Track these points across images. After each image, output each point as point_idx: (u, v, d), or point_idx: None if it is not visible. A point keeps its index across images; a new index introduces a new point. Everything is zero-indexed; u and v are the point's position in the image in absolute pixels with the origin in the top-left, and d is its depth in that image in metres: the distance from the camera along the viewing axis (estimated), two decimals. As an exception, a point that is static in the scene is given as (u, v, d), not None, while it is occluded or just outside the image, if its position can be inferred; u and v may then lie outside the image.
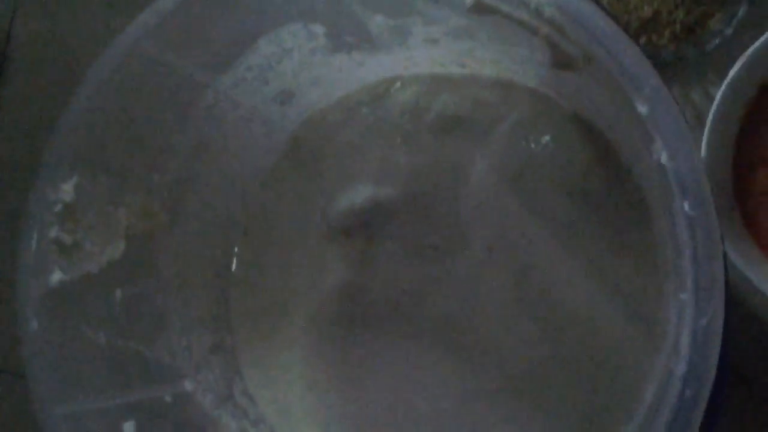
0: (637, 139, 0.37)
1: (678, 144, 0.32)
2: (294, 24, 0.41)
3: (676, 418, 0.32)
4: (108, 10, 0.60)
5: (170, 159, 0.44)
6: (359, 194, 0.49)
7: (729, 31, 0.50)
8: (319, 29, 0.42)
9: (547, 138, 0.47)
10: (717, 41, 0.51)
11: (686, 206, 0.32)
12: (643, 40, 0.52)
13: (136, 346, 0.43)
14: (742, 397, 0.51)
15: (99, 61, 0.38)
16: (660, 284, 0.44)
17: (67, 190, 0.39)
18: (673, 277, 0.41)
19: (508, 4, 0.36)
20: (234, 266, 0.51)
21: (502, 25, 0.38)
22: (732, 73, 0.47)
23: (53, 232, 0.39)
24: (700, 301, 0.32)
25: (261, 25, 0.41)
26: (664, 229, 0.42)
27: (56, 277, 0.39)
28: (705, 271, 0.32)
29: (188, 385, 0.45)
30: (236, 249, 0.51)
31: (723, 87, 0.48)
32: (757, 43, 0.47)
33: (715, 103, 0.48)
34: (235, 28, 0.40)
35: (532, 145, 0.47)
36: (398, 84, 0.50)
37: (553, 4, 0.34)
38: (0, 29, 0.63)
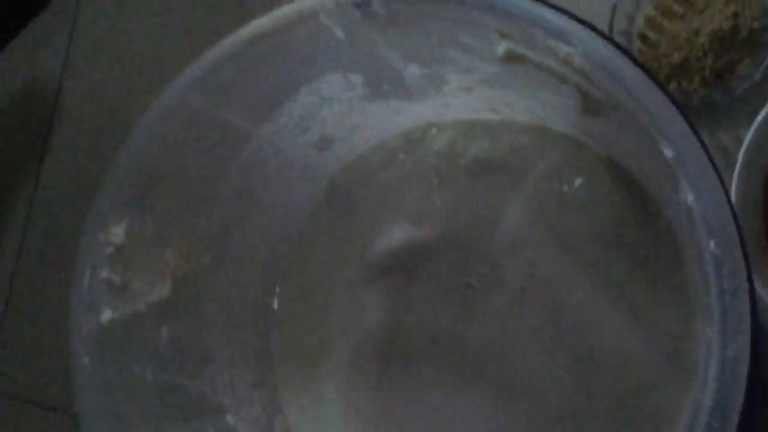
0: (665, 180, 0.38)
1: (704, 185, 0.33)
2: (334, 74, 0.43)
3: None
4: (156, 64, 0.63)
5: (215, 203, 0.45)
6: (397, 235, 0.51)
7: (757, 75, 0.51)
8: (357, 79, 0.44)
9: (579, 181, 0.48)
10: (746, 86, 0.52)
11: (712, 245, 0.33)
12: (672, 85, 0.53)
13: (181, 381, 0.45)
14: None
15: (148, 110, 0.40)
16: (692, 322, 0.45)
17: (117, 233, 0.41)
18: (703, 315, 0.42)
19: (538, 53, 0.38)
20: (275, 306, 0.52)
21: (532, 74, 0.39)
22: (761, 116, 0.48)
23: (104, 273, 0.41)
24: (726, 335, 0.33)
25: (303, 75, 0.43)
26: (695, 267, 0.43)
27: (107, 315, 0.41)
28: (731, 307, 0.32)
29: (231, 420, 0.46)
30: (277, 289, 0.53)
31: (752, 130, 0.49)
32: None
33: (744, 146, 0.49)
34: (279, 78, 0.42)
35: (565, 188, 0.48)
36: (434, 130, 0.52)
37: (581, 54, 0.35)
38: (51, 80, 0.66)
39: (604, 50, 0.35)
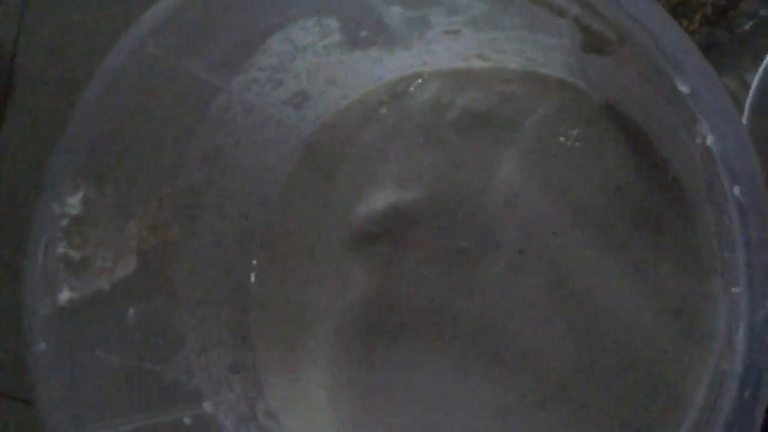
0: (677, 125, 0.34)
1: (725, 124, 0.29)
2: (307, 19, 0.39)
3: (734, 421, 0.29)
4: (118, 19, 0.58)
5: (182, 167, 0.41)
6: (381, 199, 0.47)
7: (763, 11, 0.47)
8: (333, 24, 0.40)
9: (577, 131, 0.44)
10: (751, 23, 0.48)
11: (737, 191, 0.29)
12: (673, 26, 0.49)
13: (152, 367, 0.41)
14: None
15: (103, 65, 0.36)
16: (705, 282, 0.41)
17: (73, 203, 0.37)
18: (721, 274, 0.38)
19: (532, -16, 0.33)
20: (253, 280, 0.48)
21: (526, 10, 0.35)
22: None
23: (60, 248, 0.37)
24: (755, 293, 0.29)
25: (272, 21, 0.39)
26: (709, 222, 0.39)
27: (65, 295, 0.37)
28: (760, 260, 0.29)
29: (208, 407, 0.43)
30: (254, 262, 0.49)
31: (760, 72, 0.45)
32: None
33: (752, 90, 0.45)
34: (245, 25, 0.38)
35: (562, 140, 0.45)
36: (419, 81, 0.47)
37: (583, -19, 0.31)
38: (6, 46, 0.62)
39: (608, -24, 0.30)
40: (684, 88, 0.30)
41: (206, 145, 0.42)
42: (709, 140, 0.30)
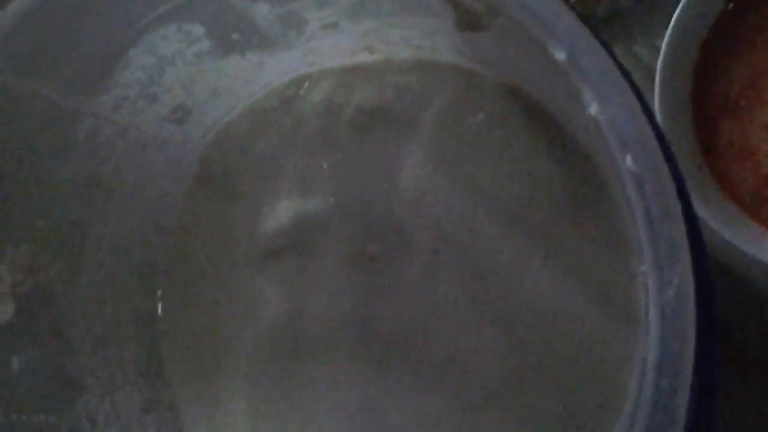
0: (568, 96, 0.31)
1: (608, 90, 0.27)
2: (165, 27, 0.36)
3: (654, 412, 0.26)
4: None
5: (53, 200, 0.38)
6: (284, 211, 0.44)
7: (667, -28, 0.45)
8: (197, 29, 0.37)
9: (479, 117, 0.42)
10: (656, -15, 0.45)
11: (629, 161, 0.26)
12: (573, -4, 0.46)
13: (44, 419, 0.37)
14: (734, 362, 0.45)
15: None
16: (628, 262, 0.38)
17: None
18: (636, 251, 0.35)
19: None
20: (159, 311, 0.45)
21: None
22: (675, 17, 0.42)
23: None
24: (662, 270, 0.26)
25: (125, 32, 0.35)
26: (619, 197, 0.37)
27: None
28: (662, 235, 0.26)
29: (118, 455, 0.39)
30: (159, 292, 0.45)
31: (668, 35, 0.43)
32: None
33: (662, 54, 0.43)
34: (95, 41, 0.35)
35: (465, 128, 0.42)
36: (308, 82, 0.44)
37: (439, -49, 0.28)
38: None
39: (466, -59, 0.28)
40: (559, 55, 0.27)
41: (79, 174, 0.39)
42: (593, 109, 0.27)
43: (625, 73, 0.28)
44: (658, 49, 0.46)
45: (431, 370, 0.42)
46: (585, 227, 0.40)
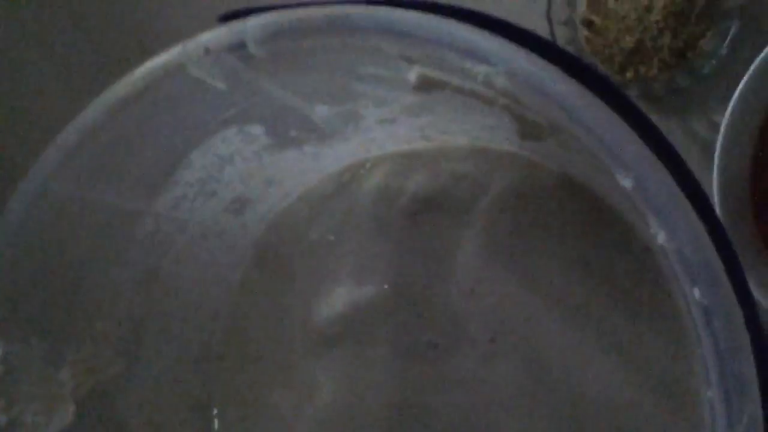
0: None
1: (676, 220, 0.26)
2: (227, 130, 0.36)
3: None
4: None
5: (114, 299, 0.38)
6: (340, 297, 0.44)
7: (724, 50, 0.44)
8: (257, 130, 0.37)
9: (535, 206, 0.41)
10: (713, 63, 0.45)
11: (697, 293, 0.26)
12: (629, 74, 0.46)
13: None
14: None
15: (5, 211, 0.33)
16: (689, 359, 0.38)
17: (-9, 363, 0.34)
18: (700, 362, 0.35)
19: (456, 76, 0.30)
20: (212, 398, 0.45)
21: (457, 99, 0.32)
22: (736, 95, 0.42)
23: (-17, 414, 0.34)
24: (730, 405, 0.26)
25: (188, 138, 0.36)
26: (683, 297, 0.36)
27: (-5, 465, 0.34)
28: (731, 370, 0.26)
29: None
30: (214, 378, 0.45)
31: (728, 112, 0.42)
32: (759, 58, 0.41)
33: (722, 131, 0.42)
34: (159, 146, 0.35)
35: (521, 216, 0.41)
36: (364, 168, 0.44)
37: (503, 73, 0.28)
38: None
39: (529, 66, 0.28)
40: (626, 182, 0.27)
41: (138, 272, 0.39)
42: (661, 238, 0.27)
43: (696, 188, 0.28)
44: (715, 125, 0.46)
45: (488, 460, 0.41)
46: (643, 318, 0.40)
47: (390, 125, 0.40)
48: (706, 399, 0.33)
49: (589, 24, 0.47)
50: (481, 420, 0.41)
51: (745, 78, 0.41)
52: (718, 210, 0.42)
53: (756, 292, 0.41)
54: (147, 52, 0.32)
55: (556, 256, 0.41)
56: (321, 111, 0.37)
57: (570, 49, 0.46)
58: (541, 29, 0.46)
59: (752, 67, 0.41)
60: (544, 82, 0.28)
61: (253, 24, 0.30)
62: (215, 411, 0.45)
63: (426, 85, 0.32)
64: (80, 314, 0.37)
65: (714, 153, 0.43)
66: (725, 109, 0.42)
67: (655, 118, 0.46)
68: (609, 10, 0.46)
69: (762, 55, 0.41)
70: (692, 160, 0.46)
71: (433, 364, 0.42)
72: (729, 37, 0.45)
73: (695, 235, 0.26)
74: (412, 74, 0.32)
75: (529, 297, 0.41)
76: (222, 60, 0.31)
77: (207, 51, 0.31)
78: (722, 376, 0.26)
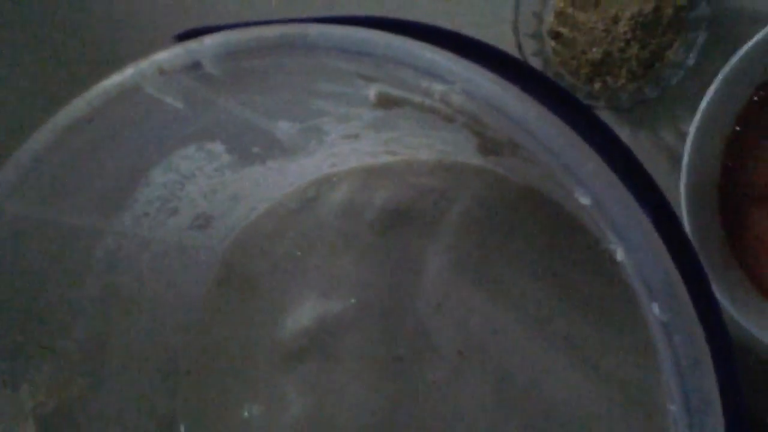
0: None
1: (634, 237, 0.26)
2: (186, 148, 0.36)
3: None
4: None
5: (74, 319, 0.38)
6: (306, 312, 0.43)
7: (691, 60, 0.44)
8: (218, 147, 0.37)
9: (502, 218, 0.41)
10: (680, 73, 0.45)
11: (656, 309, 0.25)
12: (597, 85, 0.46)
13: None
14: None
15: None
16: (656, 366, 0.38)
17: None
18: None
19: (414, 93, 0.30)
20: (181, 416, 0.45)
21: (417, 115, 0.32)
22: (703, 105, 0.42)
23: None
24: (692, 420, 0.26)
25: (147, 156, 0.35)
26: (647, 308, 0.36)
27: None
28: (693, 388, 0.26)
29: None
30: (181, 394, 0.45)
31: (695, 122, 0.42)
32: (728, 67, 0.41)
33: (689, 141, 0.42)
34: (117, 165, 0.35)
35: (487, 229, 0.41)
36: (329, 183, 0.44)
37: (459, 92, 0.28)
38: None
39: (487, 84, 0.27)
40: (584, 200, 0.27)
41: (99, 290, 0.39)
42: (620, 254, 0.26)
43: (661, 201, 0.27)
44: (683, 135, 0.46)
45: (457, 475, 0.41)
46: (610, 330, 0.40)
47: (354, 141, 0.39)
48: (670, 412, 0.33)
49: (556, 35, 0.47)
50: (450, 433, 0.41)
51: (713, 87, 0.41)
52: (685, 220, 0.42)
53: (725, 304, 0.41)
54: (103, 72, 0.32)
55: (524, 268, 0.41)
56: (284, 127, 0.37)
57: (537, 60, 0.46)
58: (508, 41, 0.45)
59: (719, 77, 0.41)
60: (501, 100, 0.27)
61: (208, 44, 0.29)
62: (182, 428, 0.45)
63: (385, 103, 0.32)
64: (39, 333, 0.37)
65: (682, 163, 0.43)
66: (693, 119, 0.42)
67: (623, 129, 0.46)
68: (576, 21, 0.46)
69: (729, 64, 0.41)
70: (661, 170, 0.46)
71: (401, 378, 0.42)
72: (696, 48, 0.44)
73: (653, 251, 0.26)
74: (371, 92, 0.31)
75: (497, 310, 0.41)
76: (178, 80, 0.31)
77: (162, 71, 0.31)
78: (683, 392, 0.26)
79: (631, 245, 0.26)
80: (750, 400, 0.45)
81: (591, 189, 0.27)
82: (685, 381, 0.26)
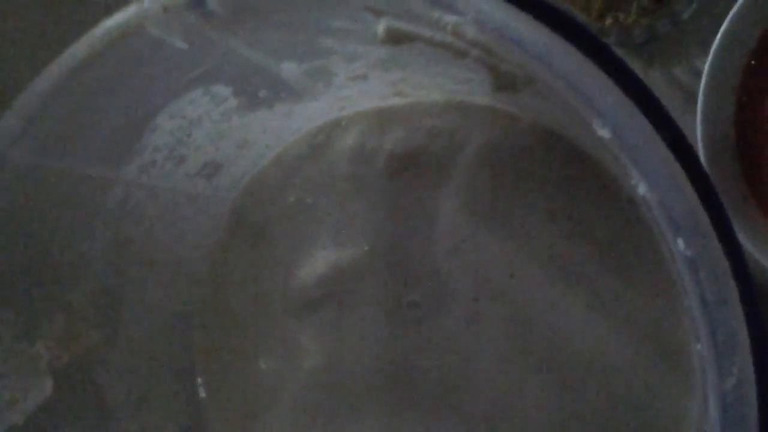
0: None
1: (656, 170, 0.25)
2: (192, 91, 0.35)
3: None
4: None
5: (86, 269, 0.37)
6: (320, 260, 0.43)
7: (705, -8, 0.43)
8: (224, 90, 0.36)
9: (515, 160, 0.40)
10: (693, 6, 0.43)
11: (681, 244, 0.25)
12: (608, 21, 0.45)
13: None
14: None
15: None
16: (677, 308, 0.37)
17: (-39, 341, 0.33)
18: (688, 314, 0.34)
19: (424, 27, 0.29)
20: (197, 367, 0.44)
21: (428, 52, 0.31)
22: (717, 39, 0.40)
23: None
24: (720, 359, 0.25)
25: (152, 100, 0.34)
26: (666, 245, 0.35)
27: (-31, 442, 0.33)
28: (719, 323, 0.25)
29: None
30: (196, 346, 0.44)
31: (710, 58, 0.41)
32: (741, 0, 0.40)
33: (704, 77, 0.41)
34: (122, 109, 0.34)
35: (502, 171, 0.40)
36: (339, 128, 0.43)
37: (472, 23, 0.27)
38: None
39: (498, 14, 0.26)
40: (604, 132, 0.26)
41: (110, 241, 0.38)
42: (642, 189, 0.26)
43: (678, 136, 0.27)
44: (697, 72, 0.45)
45: (475, 420, 0.41)
46: (629, 270, 0.39)
47: (362, 82, 0.38)
48: (695, 352, 0.32)
49: (566, -29, 0.46)
50: (466, 380, 0.40)
51: (726, 21, 0.40)
52: (702, 159, 0.41)
53: (743, 240, 0.40)
54: (105, 12, 0.31)
55: (539, 210, 0.40)
56: (289, 68, 0.36)
57: (547, -4, 0.45)
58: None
59: (733, 10, 0.40)
60: (515, 30, 0.26)
61: (211, -21, 0.29)
62: (200, 380, 0.44)
63: (394, 38, 0.31)
64: (51, 286, 0.36)
65: (697, 100, 0.42)
66: (707, 55, 0.41)
67: (635, 66, 0.44)
68: (587, -44, 0.45)
69: (742, -1, 0.40)
70: (675, 108, 0.45)
71: (417, 325, 0.41)
72: (710, -20, 0.43)
73: (677, 185, 0.25)
74: (380, 27, 0.30)
75: (512, 253, 0.40)
76: (181, 18, 0.30)
77: (165, 9, 0.30)
78: (710, 329, 0.25)
79: (654, 179, 0.25)
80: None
81: (611, 120, 0.26)
82: (712, 318, 0.25)
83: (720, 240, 0.26)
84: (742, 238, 0.40)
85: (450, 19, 0.27)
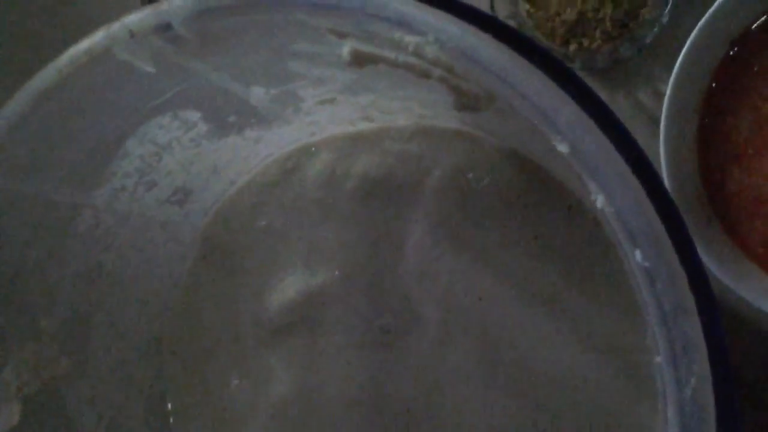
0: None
1: (613, 182, 0.26)
2: (161, 116, 0.35)
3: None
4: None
5: (55, 297, 0.37)
6: (290, 285, 0.43)
7: (665, 18, 0.44)
8: (193, 115, 0.36)
9: (482, 182, 0.41)
10: (655, 32, 0.44)
11: (638, 256, 0.25)
12: (573, 47, 0.46)
13: None
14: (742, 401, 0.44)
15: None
16: (642, 325, 0.37)
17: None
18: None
19: (388, 49, 0.30)
20: (168, 392, 0.44)
21: (393, 74, 0.32)
22: (678, 63, 0.41)
23: None
24: (678, 368, 0.25)
25: (120, 126, 0.35)
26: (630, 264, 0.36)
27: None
28: (677, 333, 0.25)
29: None
30: (167, 372, 0.44)
31: (672, 81, 0.42)
32: (702, 22, 0.41)
33: (666, 100, 0.42)
34: (90, 136, 0.34)
35: (469, 193, 0.41)
36: (308, 153, 0.44)
37: (433, 43, 0.27)
38: None
39: (460, 33, 0.27)
40: (562, 147, 0.26)
41: (80, 267, 0.38)
42: (600, 202, 0.26)
43: (635, 151, 0.27)
44: (660, 95, 0.45)
45: (446, 443, 0.41)
46: (595, 291, 0.39)
47: (331, 106, 0.39)
48: (656, 366, 0.33)
49: (530, -2, 0.47)
50: (437, 401, 0.41)
51: (687, 45, 0.41)
52: (666, 181, 0.42)
53: (708, 263, 0.40)
54: (73, 38, 0.31)
55: (506, 231, 0.40)
56: (257, 93, 0.36)
57: (511, 23, 0.46)
58: (481, 5, 0.45)
59: (694, 33, 0.41)
60: (474, 48, 0.27)
61: (177, 4, 0.29)
62: (170, 406, 0.44)
63: (359, 60, 0.32)
64: (20, 312, 0.36)
65: (660, 123, 0.42)
66: (669, 78, 0.42)
67: (600, 91, 0.45)
68: (550, -17, 0.46)
69: (702, 21, 0.41)
70: (639, 131, 0.46)
71: (387, 349, 0.42)
72: (669, 5, 0.44)
73: (633, 197, 0.26)
74: (345, 49, 0.31)
75: (480, 276, 0.40)
76: (149, 42, 0.31)
77: (132, 34, 0.30)
78: (668, 339, 0.26)
79: (611, 191, 0.26)
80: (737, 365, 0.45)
81: (569, 136, 0.26)
82: (669, 328, 0.26)
83: (677, 251, 0.26)
84: (707, 260, 0.41)
85: (411, 39, 0.28)
